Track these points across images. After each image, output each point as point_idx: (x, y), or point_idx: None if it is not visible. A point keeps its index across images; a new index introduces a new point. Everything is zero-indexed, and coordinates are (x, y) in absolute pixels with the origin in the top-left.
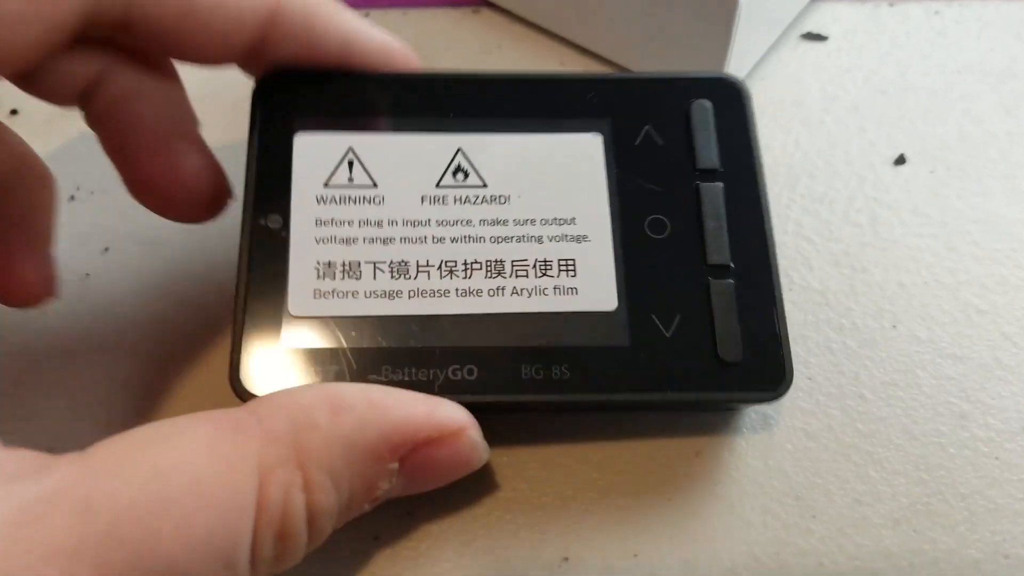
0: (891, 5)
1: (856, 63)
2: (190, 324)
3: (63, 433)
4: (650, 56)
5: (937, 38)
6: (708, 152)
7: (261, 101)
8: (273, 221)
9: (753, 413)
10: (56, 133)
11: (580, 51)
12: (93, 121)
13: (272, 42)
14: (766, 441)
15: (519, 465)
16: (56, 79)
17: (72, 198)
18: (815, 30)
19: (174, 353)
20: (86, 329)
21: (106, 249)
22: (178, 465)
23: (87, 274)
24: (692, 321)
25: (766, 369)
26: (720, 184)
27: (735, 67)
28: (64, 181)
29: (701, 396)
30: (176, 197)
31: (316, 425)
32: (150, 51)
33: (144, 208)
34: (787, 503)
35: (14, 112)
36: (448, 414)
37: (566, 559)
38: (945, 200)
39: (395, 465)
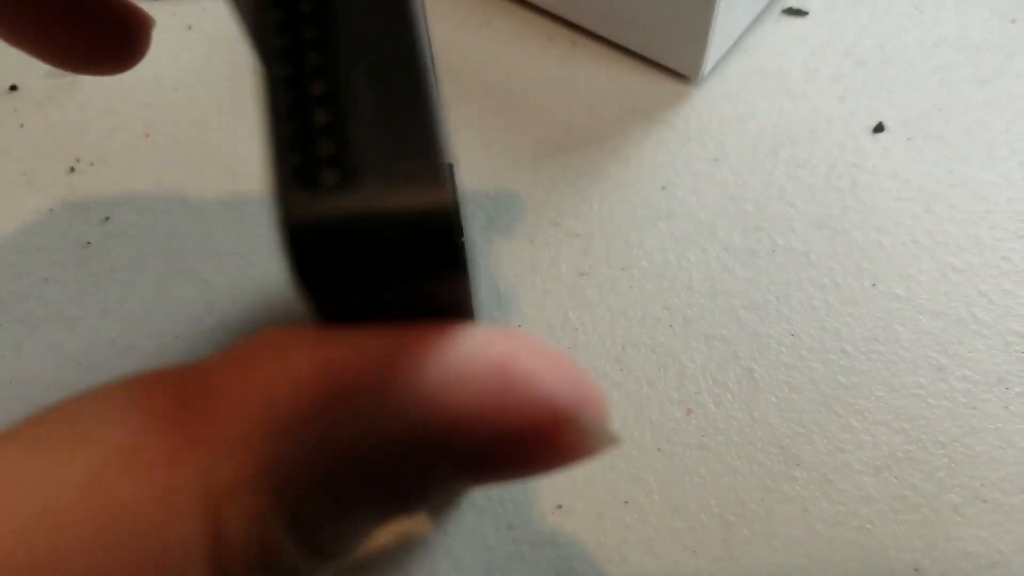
0: None
1: (836, 36)
2: (188, 290)
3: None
4: (636, 29)
5: (915, 12)
6: None
7: None
8: None
9: (739, 367)
10: (55, 107)
11: (568, 26)
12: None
13: None
14: (751, 394)
15: None
16: None
17: (72, 170)
18: (796, 5)
19: (174, 319)
20: (88, 295)
21: (106, 218)
22: (77, 491)
23: (88, 243)
24: None
25: None
26: None
27: (718, 40)
28: (63, 154)
29: None
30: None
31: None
32: None
33: (143, 179)
34: (772, 452)
35: (13, 88)
36: (554, 397)
37: (559, 507)
38: (923, 166)
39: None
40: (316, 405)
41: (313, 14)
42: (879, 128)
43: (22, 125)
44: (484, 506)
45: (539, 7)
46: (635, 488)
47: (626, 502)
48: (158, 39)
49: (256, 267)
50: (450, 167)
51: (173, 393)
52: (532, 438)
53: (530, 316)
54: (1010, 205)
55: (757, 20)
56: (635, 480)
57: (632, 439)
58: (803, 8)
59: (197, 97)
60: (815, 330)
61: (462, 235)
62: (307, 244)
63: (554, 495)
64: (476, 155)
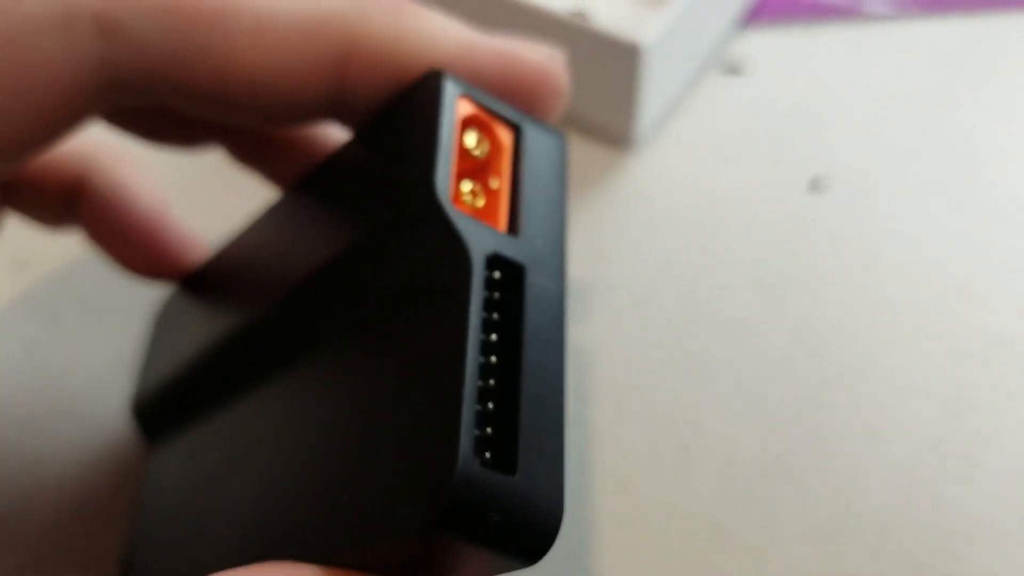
0: (809, 33)
1: (773, 95)
2: None
3: None
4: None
5: (851, 67)
6: None
7: None
8: None
9: (672, 441)
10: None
11: None
12: (81, 222)
13: (354, 86)
14: (684, 467)
15: None
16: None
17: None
18: (734, 63)
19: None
20: None
21: None
22: None
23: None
24: None
25: None
26: None
27: (652, 106)
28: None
29: None
30: (163, 273)
31: None
32: (194, 118)
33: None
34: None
35: None
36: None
37: None
38: (859, 222)
39: None
40: None
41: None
42: (816, 186)
43: None
44: None
45: None
46: (570, 569)
47: None
48: None
49: None
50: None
51: None
52: None
53: None
54: (949, 259)
55: (696, 79)
56: (570, 559)
57: (567, 518)
58: (741, 66)
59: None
60: (749, 398)
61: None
62: (460, 501)
63: None
64: None
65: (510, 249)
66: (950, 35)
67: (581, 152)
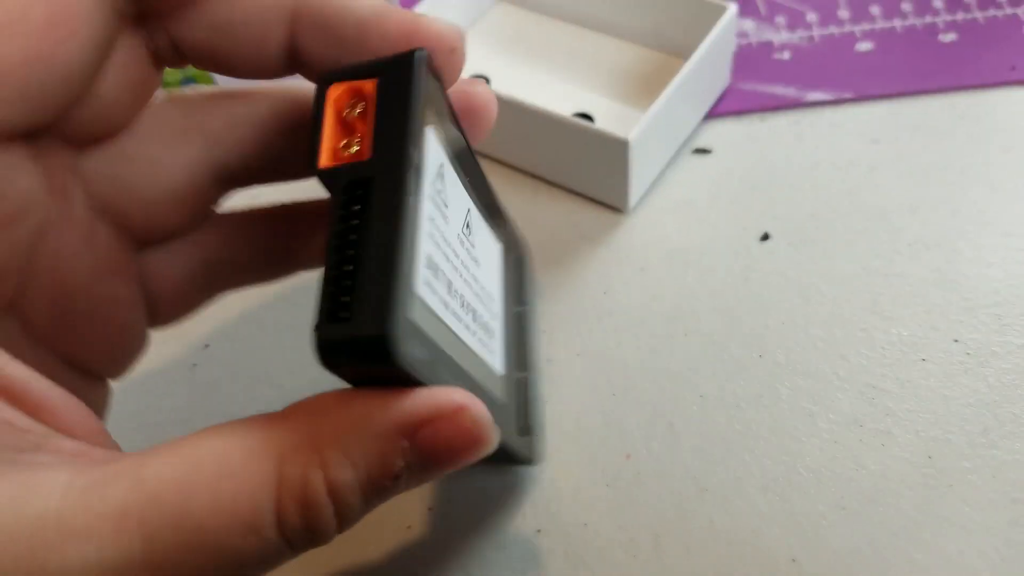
0: (762, 120)
1: (734, 167)
2: (270, 394)
3: None
4: (579, 177)
5: (796, 142)
6: None
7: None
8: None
9: (663, 423)
10: None
11: (528, 175)
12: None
13: (301, 40)
14: (672, 441)
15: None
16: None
17: None
18: (703, 145)
19: None
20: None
21: (206, 345)
22: (211, 452)
23: (194, 364)
24: None
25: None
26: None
27: (639, 182)
28: None
29: None
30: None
31: (328, 414)
32: (206, 68)
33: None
34: (687, 481)
35: None
36: (447, 396)
37: (539, 531)
38: (800, 264)
39: (406, 443)
40: (336, 406)
41: (359, 211)
42: (765, 236)
43: None
44: (478, 526)
45: (504, 162)
46: (591, 513)
47: (585, 524)
48: None
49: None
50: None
51: (259, 416)
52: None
53: None
54: (866, 288)
55: (672, 160)
56: (591, 508)
57: (587, 478)
58: (708, 147)
59: None
60: (717, 391)
61: (400, 345)
62: (326, 351)
63: (535, 522)
64: None
65: (360, 172)
66: (874, 116)
67: (588, 216)
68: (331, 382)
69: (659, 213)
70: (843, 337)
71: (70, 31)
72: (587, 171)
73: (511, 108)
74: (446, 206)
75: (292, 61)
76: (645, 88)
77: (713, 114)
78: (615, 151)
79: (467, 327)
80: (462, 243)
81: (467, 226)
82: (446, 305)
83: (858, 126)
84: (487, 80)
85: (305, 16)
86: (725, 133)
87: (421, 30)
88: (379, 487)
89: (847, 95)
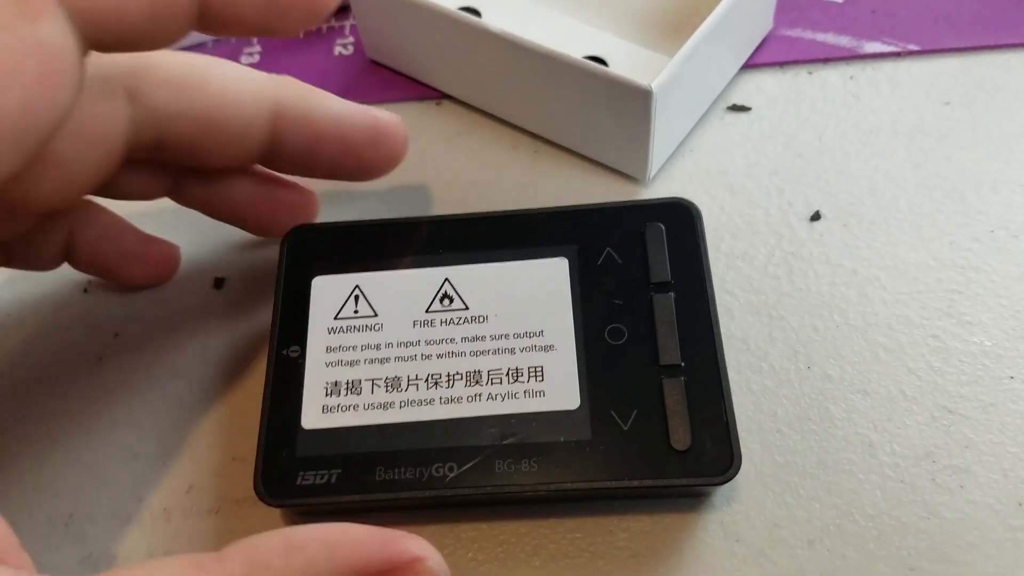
0: (810, 73)
1: (776, 130)
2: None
3: (83, 500)
4: (588, 138)
5: (852, 101)
6: (660, 267)
7: (288, 251)
8: (293, 351)
9: None
10: None
11: (530, 135)
12: (76, 266)
13: (280, 137)
14: None
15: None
16: (42, 246)
17: (85, 291)
18: (740, 102)
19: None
20: (103, 406)
21: (115, 335)
22: None
23: (100, 358)
24: (647, 415)
25: (715, 456)
26: (671, 294)
27: (661, 144)
28: (79, 278)
29: (656, 483)
30: (150, 280)
31: (269, 565)
32: (184, 163)
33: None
34: (712, 528)
35: None
36: (403, 547)
37: None
38: (856, 251)
39: None
40: (279, 555)
41: None
42: (815, 216)
43: None
44: None
45: (504, 120)
46: None
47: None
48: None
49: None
50: None
51: (197, 557)
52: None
53: None
54: (939, 284)
55: (703, 118)
56: None
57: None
58: (746, 104)
59: None
60: (752, 412)
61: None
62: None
63: None
64: None
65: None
66: (945, 73)
67: (602, 187)
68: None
69: (684, 184)
70: (911, 346)
71: (62, 83)
72: (598, 129)
73: (506, 48)
74: (375, 315)
75: (268, 153)
76: (670, 29)
77: (751, 64)
78: (634, 103)
79: (417, 402)
80: (428, 324)
81: (444, 297)
82: (385, 406)
83: (926, 85)
84: (477, 13)
85: (284, 114)
86: (766, 87)
87: (379, 122)
88: None
89: (912, 47)
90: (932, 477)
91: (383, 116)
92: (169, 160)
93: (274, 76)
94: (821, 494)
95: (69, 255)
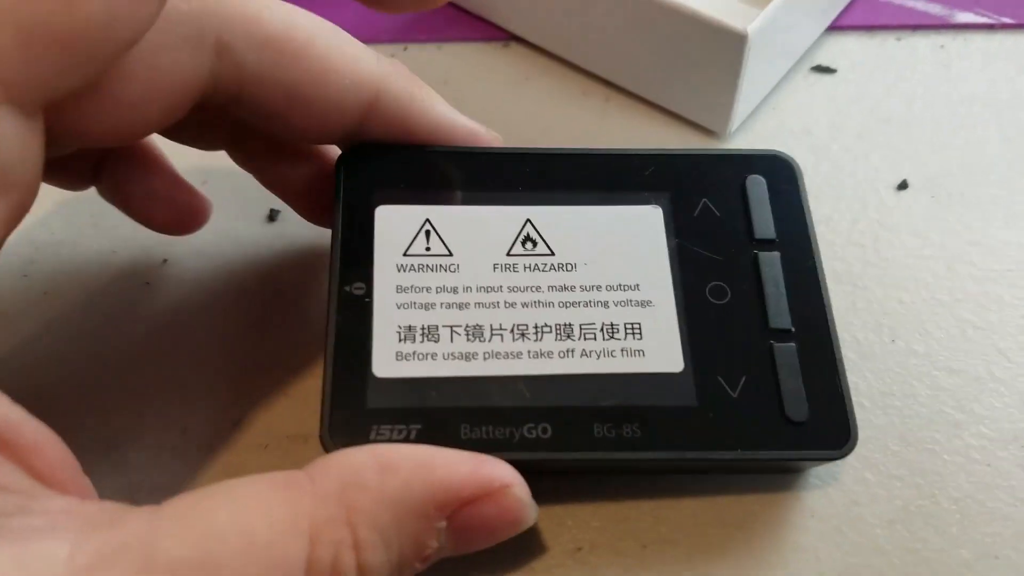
0: (898, 39)
1: (863, 94)
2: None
3: (125, 428)
4: (666, 87)
5: (942, 69)
6: (765, 224)
7: (345, 175)
8: (357, 288)
9: None
10: None
11: (602, 82)
12: (101, 191)
13: (368, 127)
14: None
15: (582, 521)
16: (75, 167)
17: None
18: (825, 63)
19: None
20: (149, 332)
21: (164, 261)
22: (233, 525)
23: (147, 283)
24: (758, 382)
25: (831, 428)
26: (777, 253)
27: (746, 98)
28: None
29: (770, 455)
30: (169, 227)
31: (364, 485)
32: (256, 128)
33: None
34: (787, 503)
35: None
36: (493, 472)
37: (579, 549)
38: (945, 224)
39: (443, 523)
40: (373, 474)
41: None
42: (903, 186)
43: None
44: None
45: (575, 64)
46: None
47: (644, 546)
48: None
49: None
50: None
51: (283, 474)
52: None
53: None
54: None
55: (786, 77)
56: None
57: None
58: (832, 66)
59: None
60: None
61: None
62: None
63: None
64: None
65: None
66: None
67: (677, 139)
68: None
69: (766, 141)
70: (1001, 325)
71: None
72: (680, 76)
73: None
74: (450, 254)
75: (346, 139)
76: None
77: (837, 26)
78: (726, 49)
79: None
80: (510, 268)
81: (527, 240)
82: (467, 356)
83: (1020, 59)
84: None
85: (384, 110)
86: (852, 50)
87: (479, 140)
88: (405, 569)
89: (1007, 20)
90: (1020, 463)
91: (483, 134)
92: (233, 117)
93: (382, 60)
94: (903, 472)
95: (95, 178)
